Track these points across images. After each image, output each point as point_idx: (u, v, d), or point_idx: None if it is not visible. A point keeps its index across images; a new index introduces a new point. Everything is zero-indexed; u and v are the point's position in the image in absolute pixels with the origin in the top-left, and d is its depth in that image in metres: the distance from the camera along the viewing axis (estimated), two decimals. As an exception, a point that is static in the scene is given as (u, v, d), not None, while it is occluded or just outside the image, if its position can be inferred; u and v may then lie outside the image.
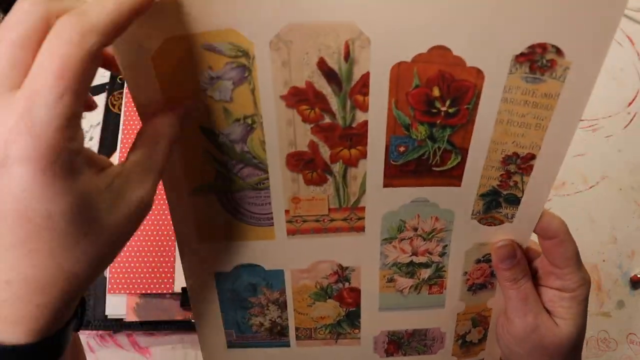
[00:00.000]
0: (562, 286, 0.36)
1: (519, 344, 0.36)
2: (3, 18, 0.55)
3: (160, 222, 0.49)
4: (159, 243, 0.49)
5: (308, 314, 0.37)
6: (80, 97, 0.21)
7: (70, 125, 0.21)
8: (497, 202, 0.32)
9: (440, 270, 0.36)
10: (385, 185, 0.31)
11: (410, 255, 0.35)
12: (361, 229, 0.33)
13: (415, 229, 0.34)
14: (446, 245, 0.34)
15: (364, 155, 0.30)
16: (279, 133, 0.29)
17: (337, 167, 0.30)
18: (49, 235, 0.22)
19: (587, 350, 0.49)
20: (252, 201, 0.32)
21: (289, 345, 0.39)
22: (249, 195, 0.31)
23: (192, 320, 0.47)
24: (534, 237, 0.35)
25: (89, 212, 0.23)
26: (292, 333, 0.38)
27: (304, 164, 0.30)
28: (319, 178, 0.31)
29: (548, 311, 0.36)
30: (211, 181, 0.31)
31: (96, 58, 0.21)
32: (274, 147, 0.29)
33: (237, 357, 0.40)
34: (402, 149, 0.29)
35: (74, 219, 0.22)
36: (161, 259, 0.48)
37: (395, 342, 0.39)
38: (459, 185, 0.31)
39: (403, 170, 0.30)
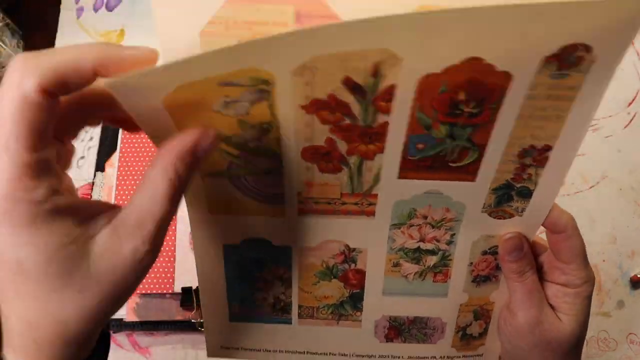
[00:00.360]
0: (567, 281, 0.36)
1: (522, 338, 0.36)
2: (3, 18, 0.55)
3: (160, 222, 0.49)
4: (159, 243, 0.49)
5: (312, 293, 0.38)
6: (31, 144, 0.21)
7: (27, 175, 0.21)
8: (509, 196, 0.33)
9: (446, 258, 0.36)
10: (400, 177, 0.31)
11: (418, 242, 0.35)
12: (371, 214, 0.33)
13: (425, 217, 0.34)
14: (454, 234, 0.35)
15: (380, 150, 0.30)
16: (295, 133, 0.28)
17: (352, 159, 0.30)
18: (24, 280, 0.22)
19: (587, 350, 0.49)
20: (265, 184, 0.32)
21: (290, 323, 0.39)
22: (262, 179, 0.32)
23: (192, 320, 0.47)
24: (540, 235, 0.35)
25: (66, 262, 0.22)
26: (294, 310, 0.38)
27: (320, 156, 0.30)
28: (334, 167, 0.31)
29: (552, 307, 0.36)
30: (223, 169, 0.31)
31: (38, 104, 0.21)
32: (290, 144, 0.29)
33: (239, 331, 0.40)
34: (420, 146, 0.29)
35: (47, 268, 0.22)
36: (161, 259, 0.48)
37: (396, 328, 0.39)
38: (474, 181, 0.32)
39: (419, 165, 0.31)
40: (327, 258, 0.36)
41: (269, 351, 0.41)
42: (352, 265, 0.36)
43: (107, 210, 0.24)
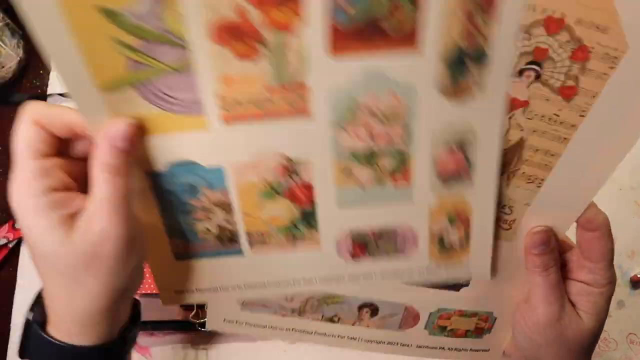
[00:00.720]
0: (592, 280, 0.36)
1: (540, 333, 0.36)
2: (3, 18, 0.55)
3: (160, 223, 0.49)
4: (159, 243, 0.49)
5: (258, 216, 0.33)
6: (25, 156, 0.29)
7: (28, 176, 0.29)
8: (462, 65, 0.29)
9: (404, 157, 0.32)
10: (330, 54, 0.27)
11: (368, 142, 0.31)
12: (306, 113, 0.29)
13: (371, 110, 0.30)
14: (408, 126, 0.30)
15: (301, 18, 0.26)
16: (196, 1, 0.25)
17: (270, 36, 0.27)
18: (38, 264, 0.30)
19: (587, 350, 0.49)
20: (175, 86, 0.28)
21: (242, 253, 0.35)
22: (172, 80, 0.28)
23: (192, 320, 0.47)
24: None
25: (52, 242, 0.29)
26: (243, 238, 0.34)
27: (232, 33, 0.26)
28: (251, 50, 0.27)
29: (572, 304, 0.36)
30: (123, 72, 0.27)
31: (24, 127, 0.30)
32: (194, 17, 0.25)
33: (189, 270, 0.36)
34: (350, 10, 0.26)
35: (43, 247, 0.29)
36: (161, 259, 0.48)
37: (361, 243, 0.35)
38: (416, 48, 0.27)
39: (351, 35, 0.27)
40: (266, 174, 0.32)
41: (226, 288, 0.37)
42: (297, 179, 0.32)
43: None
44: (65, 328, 0.31)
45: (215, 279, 0.36)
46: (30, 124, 0.30)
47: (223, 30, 0.26)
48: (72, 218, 0.29)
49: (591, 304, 0.36)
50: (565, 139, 0.32)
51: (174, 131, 0.30)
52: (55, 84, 0.57)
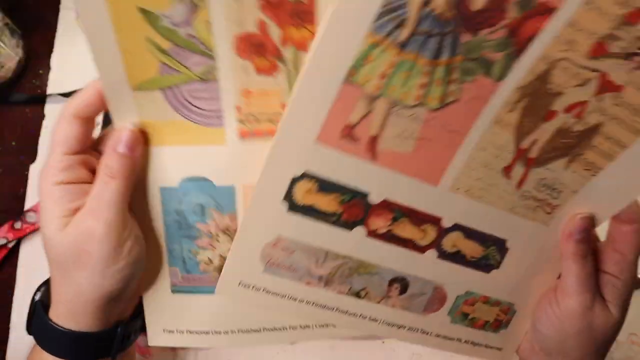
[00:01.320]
0: (619, 273, 0.37)
1: (569, 322, 0.36)
2: (3, 18, 0.55)
3: (160, 222, 0.49)
4: (159, 243, 0.48)
5: None
6: (59, 148, 0.31)
7: (56, 166, 0.31)
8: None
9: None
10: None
11: None
12: None
13: None
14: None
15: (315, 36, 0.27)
16: (225, 11, 0.26)
17: (288, 53, 0.28)
18: (44, 245, 0.32)
19: (587, 351, 0.49)
20: (199, 95, 0.29)
21: None
22: (197, 88, 0.29)
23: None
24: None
25: (50, 229, 0.31)
26: None
27: (254, 48, 0.28)
28: (270, 66, 0.28)
29: (601, 295, 0.37)
30: (155, 75, 0.28)
31: (62, 123, 0.31)
32: (221, 27, 0.27)
33: (183, 306, 0.35)
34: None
35: (44, 231, 0.31)
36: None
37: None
38: None
39: None
40: None
41: (219, 333, 0.35)
42: None
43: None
44: (61, 312, 0.33)
45: (211, 320, 0.35)
46: (71, 118, 0.31)
47: (246, 44, 0.27)
48: (76, 211, 0.31)
49: (618, 296, 0.36)
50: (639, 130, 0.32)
51: (191, 143, 0.30)
52: (54, 84, 0.57)
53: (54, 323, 0.33)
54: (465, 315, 0.40)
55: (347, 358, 0.49)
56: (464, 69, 0.29)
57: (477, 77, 0.30)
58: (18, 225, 0.51)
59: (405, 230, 0.35)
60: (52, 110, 0.56)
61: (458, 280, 0.38)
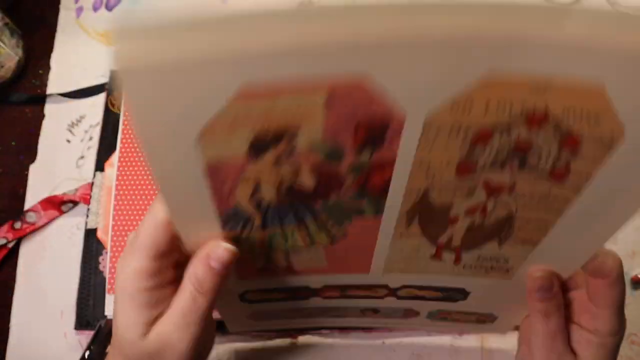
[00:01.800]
0: (595, 328, 0.33)
1: None
2: (2, 17, 0.55)
3: (160, 222, 0.49)
4: (159, 243, 0.48)
5: None
6: (149, 251, 0.30)
7: (141, 270, 0.30)
8: None
9: None
10: None
11: None
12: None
13: None
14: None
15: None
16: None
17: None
18: (115, 339, 0.33)
19: (587, 351, 0.49)
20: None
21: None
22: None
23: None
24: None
25: (130, 335, 0.31)
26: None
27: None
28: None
29: (574, 351, 0.33)
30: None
31: (158, 227, 0.30)
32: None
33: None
34: None
35: (125, 334, 0.31)
36: (161, 259, 0.48)
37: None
38: None
39: None
40: None
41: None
42: None
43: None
44: None
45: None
46: (162, 224, 0.30)
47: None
48: (157, 319, 0.31)
49: (591, 355, 0.33)
50: (560, 210, 0.28)
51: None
52: (54, 84, 0.57)
53: None
54: (444, 318, 0.40)
55: (348, 358, 0.49)
56: (335, 219, 0.29)
57: (354, 218, 0.29)
58: (18, 225, 0.51)
59: (358, 292, 0.37)
60: (52, 110, 0.56)
61: (427, 306, 0.39)
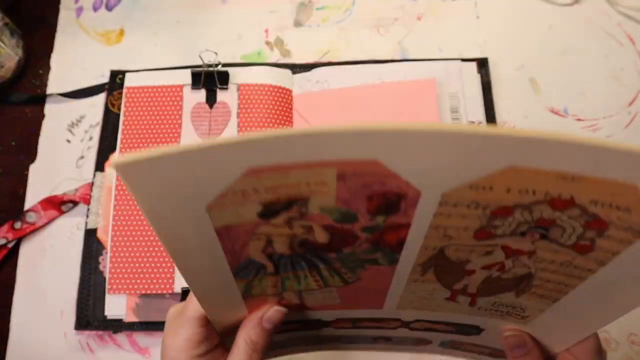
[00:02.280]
0: None
1: None
2: (2, 17, 0.55)
3: (160, 222, 0.49)
4: (159, 243, 0.49)
5: None
6: (193, 330, 0.32)
7: (193, 339, 0.32)
8: None
9: None
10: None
11: None
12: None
13: None
14: None
15: None
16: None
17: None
18: None
19: (587, 351, 0.49)
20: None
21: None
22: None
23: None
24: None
25: None
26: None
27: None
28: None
29: None
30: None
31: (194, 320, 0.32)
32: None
33: None
34: None
35: None
36: (161, 259, 0.48)
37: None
38: None
39: None
40: None
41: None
42: None
43: None
44: None
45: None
46: (199, 320, 0.33)
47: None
48: None
49: None
50: (581, 277, 0.27)
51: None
52: (54, 84, 0.57)
53: None
54: (457, 348, 0.40)
55: (347, 358, 0.49)
56: (348, 268, 0.28)
57: (367, 267, 0.28)
58: (18, 225, 0.51)
59: (370, 324, 0.37)
60: (52, 110, 0.56)
61: (439, 337, 0.38)
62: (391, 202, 0.23)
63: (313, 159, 0.20)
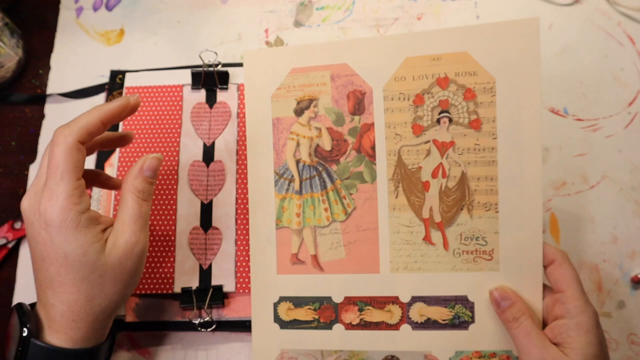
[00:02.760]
0: (566, 312, 0.38)
1: None
2: (2, 17, 0.55)
3: (161, 223, 0.49)
4: (159, 244, 0.49)
5: None
6: (73, 175, 0.34)
7: (72, 195, 0.34)
8: None
9: None
10: None
11: None
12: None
13: None
14: None
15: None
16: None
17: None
18: (67, 270, 0.34)
19: (587, 351, 0.49)
20: None
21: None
22: None
23: (192, 320, 0.47)
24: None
25: (93, 255, 0.34)
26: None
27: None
28: None
29: (558, 345, 0.37)
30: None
31: (77, 150, 0.34)
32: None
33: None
34: None
35: (82, 258, 0.34)
36: (161, 260, 0.48)
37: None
38: None
39: None
40: None
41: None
42: None
43: (113, 221, 0.38)
44: (69, 334, 0.35)
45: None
46: (77, 144, 0.34)
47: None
48: (103, 233, 0.35)
49: (570, 339, 0.37)
50: (493, 161, 0.42)
51: None
52: (54, 84, 0.57)
53: (63, 348, 0.35)
54: None
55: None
56: (346, 185, 0.44)
57: (359, 187, 0.44)
58: (18, 225, 0.51)
59: (374, 315, 0.44)
60: (51, 110, 0.56)
61: (442, 344, 0.43)
62: (359, 100, 0.44)
63: (319, 64, 0.44)
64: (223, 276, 0.48)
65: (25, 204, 0.35)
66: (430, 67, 0.42)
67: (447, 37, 0.41)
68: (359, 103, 0.43)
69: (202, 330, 0.47)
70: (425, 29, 0.47)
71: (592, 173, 0.53)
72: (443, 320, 0.43)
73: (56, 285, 0.35)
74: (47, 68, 0.58)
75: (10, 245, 0.51)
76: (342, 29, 0.59)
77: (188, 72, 0.54)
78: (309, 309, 0.44)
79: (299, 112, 0.44)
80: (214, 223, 0.49)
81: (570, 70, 0.57)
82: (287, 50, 0.46)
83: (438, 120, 0.42)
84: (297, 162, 0.44)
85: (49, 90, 0.57)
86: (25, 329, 0.35)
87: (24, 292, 0.51)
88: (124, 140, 0.43)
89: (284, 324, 0.45)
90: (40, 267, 0.35)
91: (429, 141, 0.42)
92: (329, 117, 0.44)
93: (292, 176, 0.44)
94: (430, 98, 0.42)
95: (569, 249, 0.51)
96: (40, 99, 0.56)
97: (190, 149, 0.52)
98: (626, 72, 0.56)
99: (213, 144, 0.52)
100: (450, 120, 0.42)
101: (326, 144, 0.44)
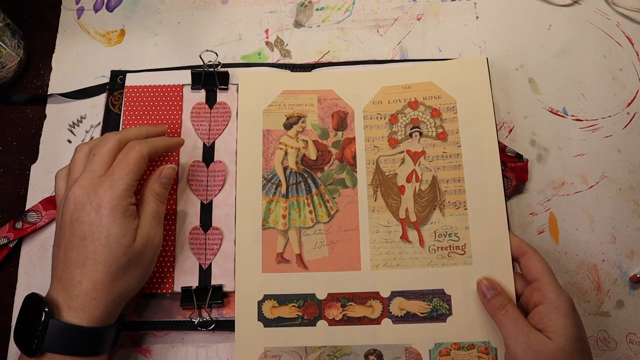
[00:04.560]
0: (543, 298, 0.41)
1: None
2: (3, 18, 0.55)
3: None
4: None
5: None
6: (136, 175, 0.43)
7: (129, 189, 0.42)
8: None
9: None
10: None
11: None
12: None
13: None
14: None
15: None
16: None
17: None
18: (104, 252, 0.40)
19: (586, 350, 0.49)
20: None
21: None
22: None
23: (192, 320, 0.47)
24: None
25: (128, 239, 0.41)
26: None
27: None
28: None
29: (541, 330, 0.40)
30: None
31: (144, 160, 0.43)
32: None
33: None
34: None
35: (121, 241, 0.40)
36: (161, 259, 0.49)
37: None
38: None
39: None
40: None
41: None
42: None
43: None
44: (88, 312, 0.40)
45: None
46: (146, 155, 0.43)
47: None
48: (136, 229, 0.42)
49: (553, 323, 0.40)
50: (459, 165, 0.49)
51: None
52: (55, 84, 0.58)
53: (85, 326, 0.39)
54: (447, 354, 0.45)
55: (347, 357, 0.49)
56: (329, 190, 0.49)
57: (341, 192, 0.49)
58: (19, 225, 0.51)
59: (356, 310, 0.46)
60: (52, 111, 0.56)
61: (422, 336, 0.45)
62: (342, 118, 0.51)
63: (308, 88, 0.51)
64: (223, 276, 0.48)
65: (78, 189, 0.41)
66: (403, 93, 0.51)
67: (416, 70, 0.52)
68: (342, 121, 0.51)
69: (202, 329, 0.47)
70: (398, 65, 0.54)
71: (591, 173, 0.53)
72: (422, 313, 0.45)
73: (89, 264, 0.40)
74: (48, 68, 0.58)
75: (11, 245, 0.51)
76: (342, 30, 0.59)
77: (188, 72, 0.54)
78: (293, 306, 0.46)
79: (288, 126, 0.50)
80: (214, 223, 0.50)
81: (569, 70, 0.57)
82: (280, 74, 0.52)
83: (410, 134, 0.50)
84: (285, 168, 0.49)
85: (50, 91, 0.57)
86: (45, 310, 0.39)
87: (25, 292, 0.51)
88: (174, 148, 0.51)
89: (267, 322, 0.46)
90: (77, 245, 0.40)
91: (403, 151, 0.50)
92: (315, 132, 0.50)
93: (280, 181, 0.49)
94: (403, 117, 0.50)
95: (568, 248, 0.51)
96: (41, 99, 0.57)
97: (190, 149, 0.52)
98: (625, 73, 0.56)
99: (213, 144, 0.52)
100: (421, 134, 0.50)
101: (312, 154, 0.50)
